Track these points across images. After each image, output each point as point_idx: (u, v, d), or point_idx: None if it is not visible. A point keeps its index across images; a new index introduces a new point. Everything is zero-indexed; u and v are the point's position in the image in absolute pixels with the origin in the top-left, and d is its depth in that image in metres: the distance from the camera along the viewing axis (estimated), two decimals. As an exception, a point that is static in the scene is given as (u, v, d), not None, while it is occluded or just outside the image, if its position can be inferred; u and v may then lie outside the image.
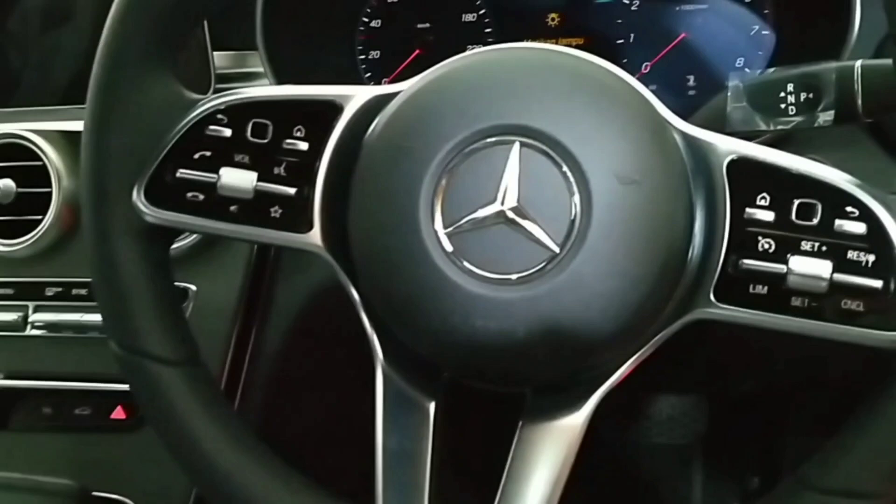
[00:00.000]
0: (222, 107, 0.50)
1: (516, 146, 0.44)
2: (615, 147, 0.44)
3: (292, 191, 0.49)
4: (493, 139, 0.44)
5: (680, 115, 0.79)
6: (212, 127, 0.50)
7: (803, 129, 0.55)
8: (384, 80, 0.86)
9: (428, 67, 0.83)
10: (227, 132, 0.50)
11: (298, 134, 0.50)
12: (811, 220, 0.44)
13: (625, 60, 0.82)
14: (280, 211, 0.49)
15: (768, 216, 0.45)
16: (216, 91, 0.78)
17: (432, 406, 0.50)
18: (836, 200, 0.44)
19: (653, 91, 0.80)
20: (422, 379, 0.50)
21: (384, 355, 0.50)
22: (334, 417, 0.89)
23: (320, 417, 0.89)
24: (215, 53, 0.79)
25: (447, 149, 0.45)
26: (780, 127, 0.56)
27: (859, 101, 0.53)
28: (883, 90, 0.53)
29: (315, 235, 0.49)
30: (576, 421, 0.48)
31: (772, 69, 0.57)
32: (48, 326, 0.79)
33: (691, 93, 0.81)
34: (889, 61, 0.52)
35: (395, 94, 0.50)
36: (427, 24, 0.84)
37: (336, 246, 0.50)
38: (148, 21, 0.50)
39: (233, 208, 0.50)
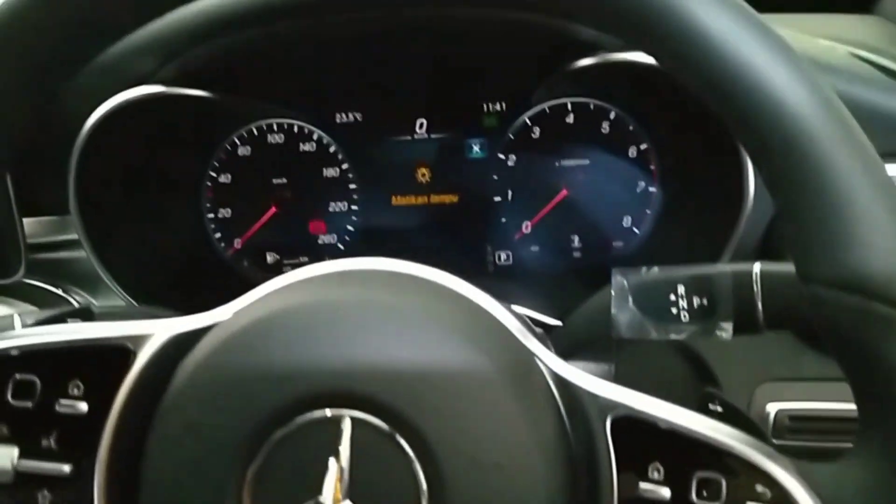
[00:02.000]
0: None
1: (346, 423, 0.34)
2: (470, 413, 0.35)
3: (66, 468, 0.38)
4: (316, 413, 0.34)
5: (566, 279, 0.73)
6: None
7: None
8: (237, 239, 0.76)
9: (286, 225, 0.76)
10: None
11: (75, 392, 0.39)
12: (715, 501, 0.36)
13: (503, 219, 0.74)
14: (49, 497, 0.38)
15: (664, 493, 0.36)
16: (30, 266, 0.67)
17: None
18: (744, 475, 0.36)
19: (535, 253, 0.75)
20: None
21: None
22: None
23: None
24: (26, 220, 0.68)
25: (256, 425, 0.34)
26: (672, 336, 0.48)
27: (760, 312, 0.46)
28: (786, 299, 0.46)
29: None
30: None
31: (655, 268, 0.49)
32: None
33: (577, 254, 0.74)
34: (790, 266, 0.45)
35: (201, 331, 0.39)
36: (284, 180, 0.75)
37: None
38: None
39: None
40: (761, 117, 0.31)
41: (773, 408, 0.62)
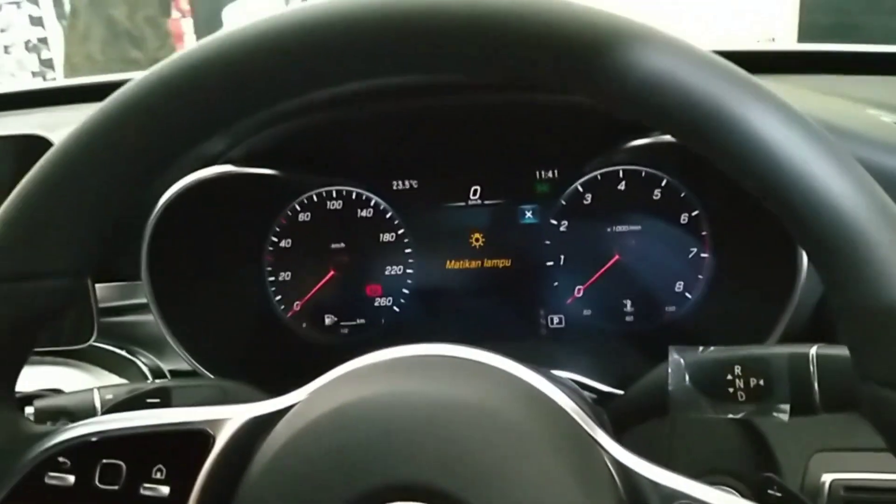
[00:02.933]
0: (65, 447, 0.41)
1: None
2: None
3: None
4: None
5: (618, 343, 0.74)
6: (51, 474, 0.41)
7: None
8: (296, 302, 0.79)
9: (343, 289, 0.78)
10: (71, 479, 0.41)
11: (158, 476, 0.41)
12: None
13: (556, 283, 0.76)
14: None
15: None
16: (100, 329, 0.70)
17: None
18: None
19: (587, 316, 0.76)
20: None
21: None
22: None
23: None
24: (98, 286, 0.71)
25: None
26: (729, 415, 0.49)
27: (817, 395, 0.46)
28: (843, 383, 0.46)
29: None
30: None
31: (711, 347, 0.50)
32: None
33: (629, 318, 0.75)
34: (845, 349, 0.46)
35: (276, 414, 0.41)
36: (342, 244, 0.77)
37: None
38: None
39: None
40: (817, 222, 0.32)
41: (828, 478, 0.62)
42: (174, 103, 0.36)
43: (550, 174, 0.75)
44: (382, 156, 0.74)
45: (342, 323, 0.79)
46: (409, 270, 0.78)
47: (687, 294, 0.74)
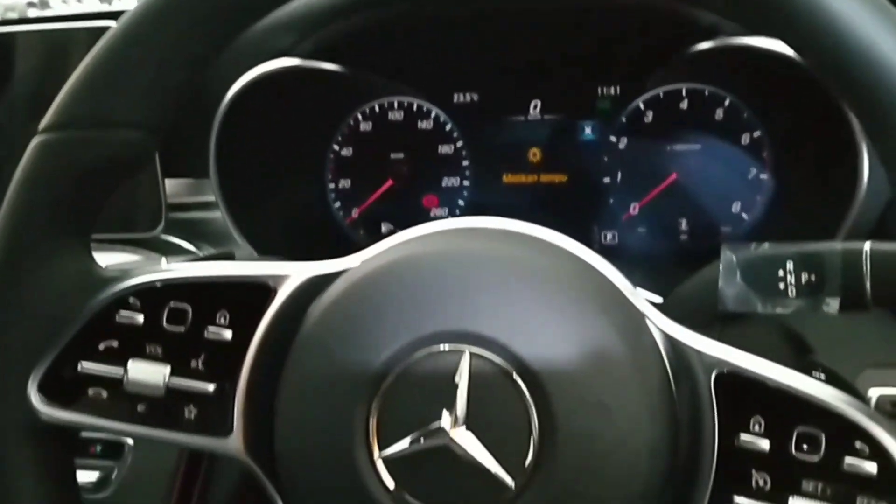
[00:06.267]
0: (135, 289, 0.43)
1: (465, 357, 0.37)
2: (582, 361, 0.37)
3: (211, 387, 0.42)
4: (438, 348, 0.37)
5: (671, 262, 0.74)
6: (122, 312, 0.43)
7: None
8: (354, 209, 0.81)
9: (401, 198, 0.80)
10: (140, 318, 0.43)
11: (222, 321, 0.43)
12: (813, 455, 0.37)
13: (611, 201, 0.76)
14: (195, 411, 0.42)
15: (763, 445, 0.38)
16: (168, 223, 0.72)
17: None
18: (843, 432, 0.37)
19: (641, 234, 0.76)
20: None
21: None
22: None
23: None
24: (168, 181, 0.74)
25: (384, 358, 0.38)
26: (778, 310, 0.49)
27: (868, 290, 0.46)
28: (895, 278, 0.46)
29: (236, 440, 0.42)
30: None
31: (766, 244, 0.50)
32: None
33: (683, 237, 0.75)
34: None
35: (334, 275, 0.43)
36: (401, 155, 0.79)
37: (262, 453, 0.42)
38: (58, 189, 0.43)
39: (140, 407, 0.43)
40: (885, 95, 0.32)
41: (875, 393, 0.62)
42: None
43: (612, 91, 0.75)
44: (445, 66, 0.75)
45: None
46: (465, 183, 0.79)
47: (743, 215, 0.73)
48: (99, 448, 0.68)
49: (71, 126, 0.42)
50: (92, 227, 0.45)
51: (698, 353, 0.40)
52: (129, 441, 0.69)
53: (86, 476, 0.68)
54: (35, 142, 0.43)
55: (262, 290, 0.43)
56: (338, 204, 0.81)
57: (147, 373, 0.42)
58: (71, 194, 0.43)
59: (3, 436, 0.43)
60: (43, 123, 0.43)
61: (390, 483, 0.37)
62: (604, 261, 0.43)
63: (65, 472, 0.46)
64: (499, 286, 0.39)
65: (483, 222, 0.45)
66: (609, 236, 0.77)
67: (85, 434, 0.64)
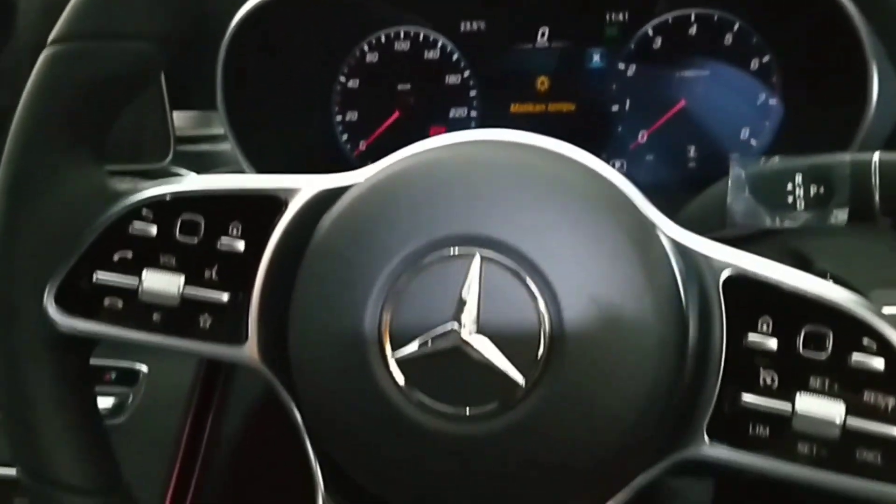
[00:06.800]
0: (148, 201, 0.44)
1: (476, 260, 0.38)
2: (591, 262, 0.38)
3: (225, 297, 0.43)
4: (449, 252, 0.38)
5: (679, 189, 0.74)
6: (136, 224, 0.44)
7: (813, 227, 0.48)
8: (361, 142, 0.80)
9: (408, 130, 0.79)
10: (153, 230, 0.44)
11: (234, 232, 0.43)
12: (821, 353, 0.38)
13: (620, 129, 0.76)
14: (210, 320, 0.43)
15: (771, 344, 0.38)
16: (176, 155, 0.73)
17: None
18: (850, 330, 0.38)
19: (650, 162, 0.76)
20: None
21: (327, 486, 0.44)
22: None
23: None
24: (176, 113, 0.74)
25: (396, 262, 0.38)
26: (787, 224, 0.50)
27: (877, 199, 0.47)
28: (904, 187, 0.46)
29: (250, 348, 0.43)
30: None
31: (776, 157, 0.50)
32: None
33: (692, 164, 0.75)
34: None
35: (345, 188, 0.43)
36: (408, 86, 0.79)
37: (276, 360, 0.43)
38: (68, 100, 0.44)
39: (156, 316, 0.43)
40: None
41: (886, 311, 0.62)
42: None
43: (620, 17, 0.74)
44: None
45: (406, 163, 0.81)
46: (472, 113, 0.78)
47: (752, 141, 0.73)
48: (114, 375, 0.69)
49: (80, 37, 0.43)
50: (104, 142, 0.45)
51: (706, 257, 0.40)
52: (144, 368, 0.70)
53: (101, 402, 0.68)
54: (45, 54, 0.43)
55: (273, 203, 0.44)
56: (345, 136, 0.81)
57: (162, 282, 0.43)
58: (81, 106, 0.44)
59: (22, 347, 0.44)
60: (52, 35, 0.43)
61: (401, 380, 0.38)
62: (613, 170, 0.43)
63: (80, 381, 0.47)
64: (510, 191, 0.39)
65: (493, 134, 0.45)
66: (617, 164, 0.77)
67: (100, 361, 0.65)
